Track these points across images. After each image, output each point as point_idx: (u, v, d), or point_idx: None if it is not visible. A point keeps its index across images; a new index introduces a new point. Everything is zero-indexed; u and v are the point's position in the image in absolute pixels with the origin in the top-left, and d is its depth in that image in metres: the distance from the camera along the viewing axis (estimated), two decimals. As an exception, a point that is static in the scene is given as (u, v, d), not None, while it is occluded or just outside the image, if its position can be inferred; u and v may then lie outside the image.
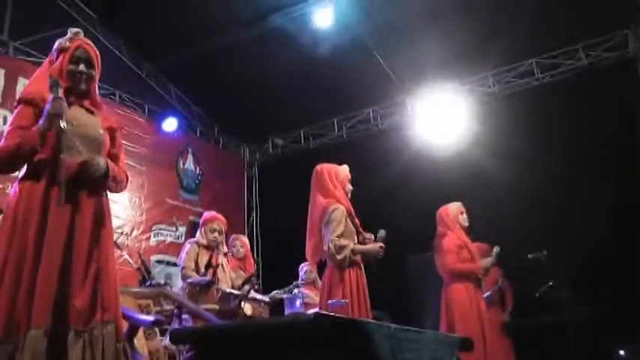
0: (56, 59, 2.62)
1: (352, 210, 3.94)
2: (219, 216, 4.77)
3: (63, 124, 2.36)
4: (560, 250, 5.49)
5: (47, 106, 2.37)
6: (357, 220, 3.95)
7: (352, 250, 3.74)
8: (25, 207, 2.39)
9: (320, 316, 1.84)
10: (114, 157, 2.65)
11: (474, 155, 6.82)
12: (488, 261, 4.85)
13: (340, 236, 3.74)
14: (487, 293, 5.38)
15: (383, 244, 3.86)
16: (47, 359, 2.21)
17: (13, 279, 2.28)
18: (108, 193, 2.66)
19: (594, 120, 6.44)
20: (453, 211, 4.88)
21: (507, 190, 6.46)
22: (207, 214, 4.85)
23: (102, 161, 2.51)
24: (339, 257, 3.71)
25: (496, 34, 6.49)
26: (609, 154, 6.35)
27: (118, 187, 2.66)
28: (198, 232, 4.75)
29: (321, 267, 4.14)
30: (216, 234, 4.60)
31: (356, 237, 3.88)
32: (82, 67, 2.58)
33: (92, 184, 2.51)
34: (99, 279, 2.44)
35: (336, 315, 2.01)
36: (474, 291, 4.62)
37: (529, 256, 5.31)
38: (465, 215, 4.91)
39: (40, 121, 2.39)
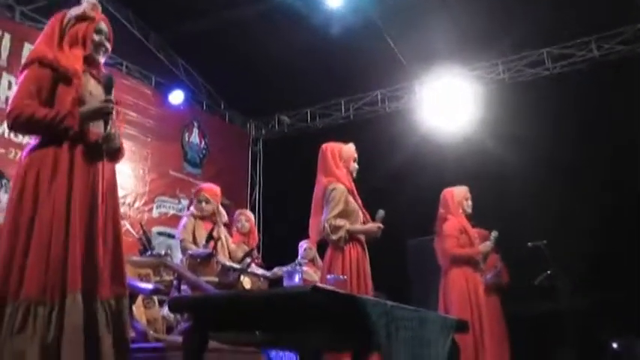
0: (74, 25, 2.63)
1: (354, 189, 3.94)
2: (206, 186, 4.84)
3: (111, 121, 2.50)
4: (562, 239, 5.50)
5: (100, 104, 2.48)
6: (359, 200, 3.97)
7: (348, 231, 3.76)
8: (50, 170, 2.39)
9: (317, 289, 1.86)
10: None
11: (480, 141, 6.80)
12: (487, 245, 4.85)
13: (337, 216, 3.76)
14: (488, 275, 5.40)
15: (381, 224, 3.87)
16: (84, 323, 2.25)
17: (43, 241, 2.28)
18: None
19: (603, 112, 6.41)
20: (459, 195, 4.87)
21: (511, 177, 6.46)
22: (197, 187, 4.93)
23: (118, 133, 2.60)
24: (334, 237, 3.74)
25: (508, 22, 6.43)
26: (616, 146, 6.32)
27: (119, 159, 2.72)
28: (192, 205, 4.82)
29: (321, 245, 4.17)
30: (203, 204, 4.64)
31: (360, 215, 3.89)
32: (103, 38, 2.68)
33: (110, 154, 2.59)
34: (116, 251, 2.49)
35: (334, 289, 2.03)
36: (472, 276, 4.63)
37: (529, 244, 5.34)
38: (469, 202, 4.89)
39: (83, 109, 2.45)
